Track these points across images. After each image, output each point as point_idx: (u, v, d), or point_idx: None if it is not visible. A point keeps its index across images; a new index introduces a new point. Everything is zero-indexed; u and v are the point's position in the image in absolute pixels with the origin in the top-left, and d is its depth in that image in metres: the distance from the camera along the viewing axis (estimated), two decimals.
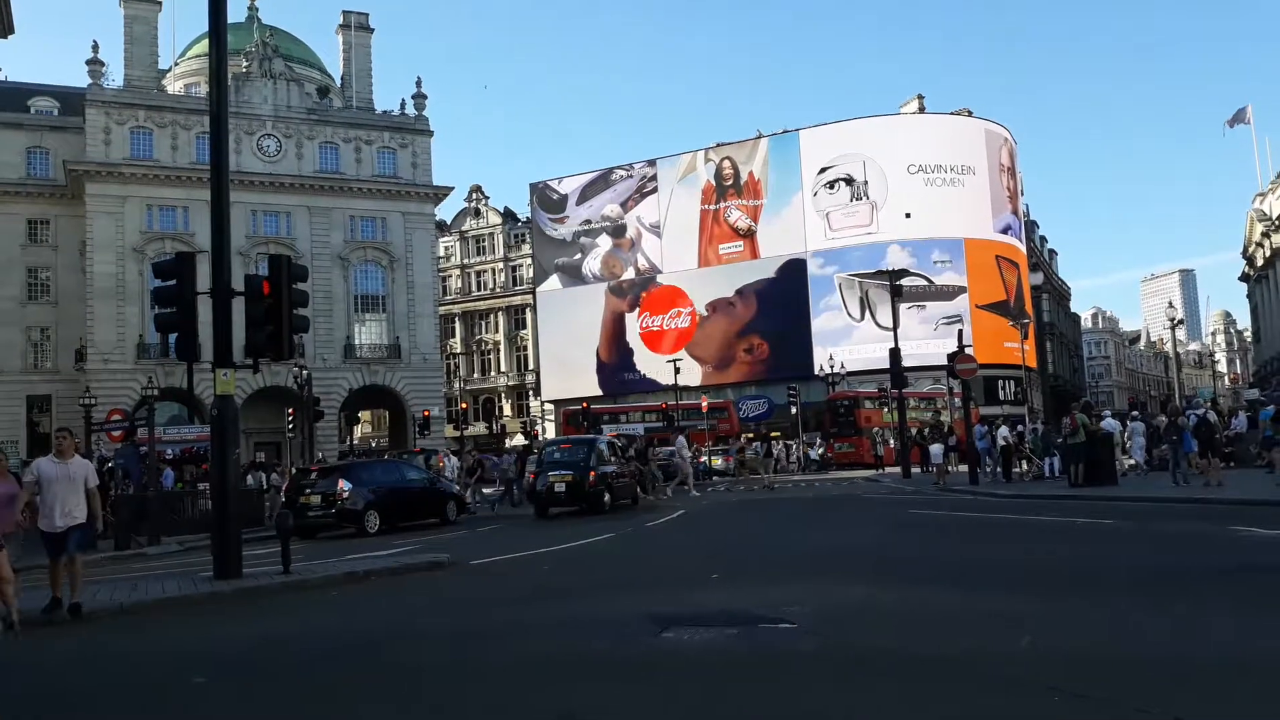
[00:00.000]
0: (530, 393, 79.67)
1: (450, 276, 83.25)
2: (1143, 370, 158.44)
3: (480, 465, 33.13)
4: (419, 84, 60.49)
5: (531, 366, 78.89)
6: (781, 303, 63.17)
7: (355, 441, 57.49)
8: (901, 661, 6.52)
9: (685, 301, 67.47)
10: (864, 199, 62.85)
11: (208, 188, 12.93)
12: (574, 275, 72.11)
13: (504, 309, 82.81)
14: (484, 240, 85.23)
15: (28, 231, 54.16)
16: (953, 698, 5.57)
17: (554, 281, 73.15)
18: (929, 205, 61.12)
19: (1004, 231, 65.06)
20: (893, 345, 34.47)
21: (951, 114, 68.51)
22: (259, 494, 27.42)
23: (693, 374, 59.99)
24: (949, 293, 60.51)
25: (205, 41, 14.58)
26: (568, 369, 70.01)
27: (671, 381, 50.42)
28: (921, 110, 70.07)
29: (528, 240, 79.39)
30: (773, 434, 53.24)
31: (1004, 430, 28.52)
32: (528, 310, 79.73)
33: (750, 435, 48.02)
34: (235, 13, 51.41)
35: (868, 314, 59.96)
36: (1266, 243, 78.00)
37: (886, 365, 35.57)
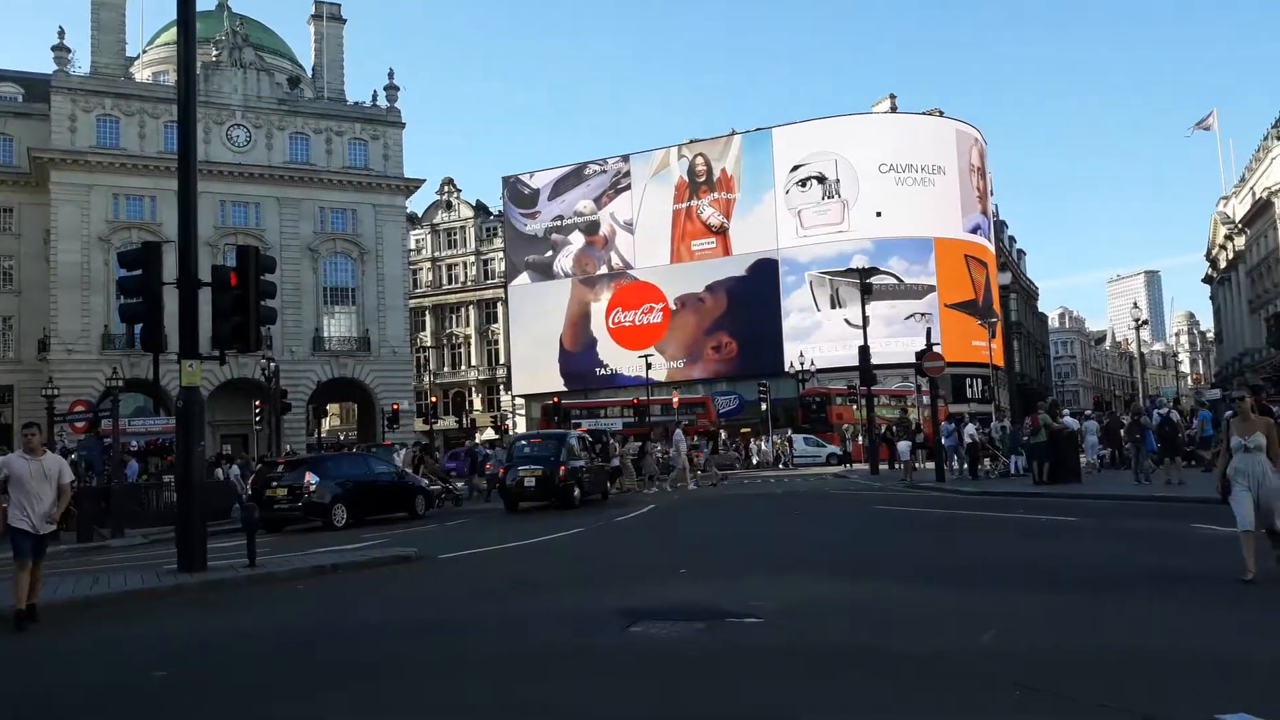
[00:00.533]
0: (501, 387, 79.43)
1: (421, 269, 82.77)
2: (1108, 370, 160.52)
3: (424, 458, 32.77)
4: (391, 75, 60.07)
5: (502, 361, 78.63)
6: (752, 299, 63.29)
7: (324, 434, 56.97)
8: (866, 656, 6.59)
9: (658, 296, 67.38)
10: (835, 197, 63.11)
11: (175, 177, 12.78)
12: (545, 273, 71.88)
13: (475, 303, 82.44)
14: (455, 233, 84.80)
15: None
16: (915, 692, 5.64)
17: (525, 277, 72.95)
18: (900, 204, 61.49)
19: (973, 231, 65.58)
20: (863, 343, 34.66)
21: (923, 114, 68.94)
22: (226, 486, 27.16)
23: (659, 369, 59.95)
24: (918, 291, 60.93)
25: (174, 29, 14.40)
26: (539, 363, 69.87)
27: (636, 376, 50.32)
28: (893, 110, 70.46)
29: (499, 234, 79.08)
30: (743, 429, 53.47)
31: (970, 428, 28.80)
32: (499, 304, 79.42)
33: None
34: (205, 1, 50.88)
35: (838, 311, 60.21)
36: (1230, 245, 79.22)
37: (856, 363, 35.74)
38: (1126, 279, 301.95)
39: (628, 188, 69.51)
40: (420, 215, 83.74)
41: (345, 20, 61.09)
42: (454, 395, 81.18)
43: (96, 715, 6.09)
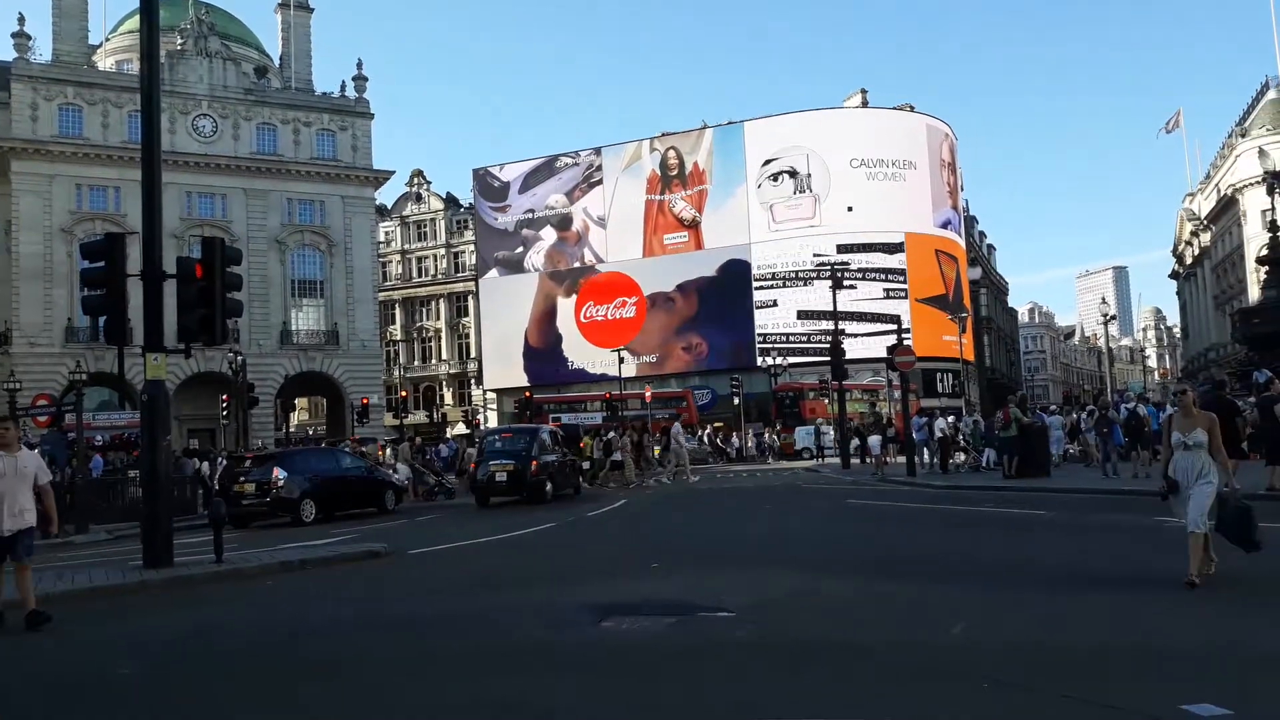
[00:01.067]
0: (472, 381, 79.11)
1: (391, 262, 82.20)
2: (1077, 364, 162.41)
3: (419, 452, 32.81)
4: (359, 66, 59.49)
5: (473, 355, 78.31)
6: (723, 293, 63.43)
7: (292, 429, 56.49)
8: (836, 649, 6.60)
9: (631, 290, 67.15)
10: (807, 191, 63.31)
11: (140, 167, 12.58)
12: (515, 268, 71.59)
13: (445, 296, 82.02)
14: (425, 226, 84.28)
15: None
16: (885, 685, 5.65)
17: (496, 271, 72.64)
18: (871, 199, 61.80)
19: (944, 226, 66.04)
20: (833, 338, 34.83)
21: (894, 109, 69.32)
22: (192, 481, 26.83)
23: (630, 364, 59.85)
24: (889, 286, 61.26)
25: (137, 17, 14.16)
26: (510, 358, 69.66)
27: (601, 373, 50.10)
28: (865, 105, 70.78)
29: (470, 226, 78.67)
30: (716, 424, 53.54)
31: (941, 422, 29.00)
32: (470, 297, 79.07)
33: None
34: None
35: (808, 306, 60.40)
36: (1195, 241, 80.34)
37: (828, 358, 35.90)
38: (1095, 274, 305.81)
39: (599, 181, 69.36)
40: (390, 207, 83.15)
41: (313, 10, 60.42)
42: (424, 389, 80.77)
43: (60, 714, 5.97)
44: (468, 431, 57.61)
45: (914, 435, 28.11)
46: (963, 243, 70.12)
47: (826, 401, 47.15)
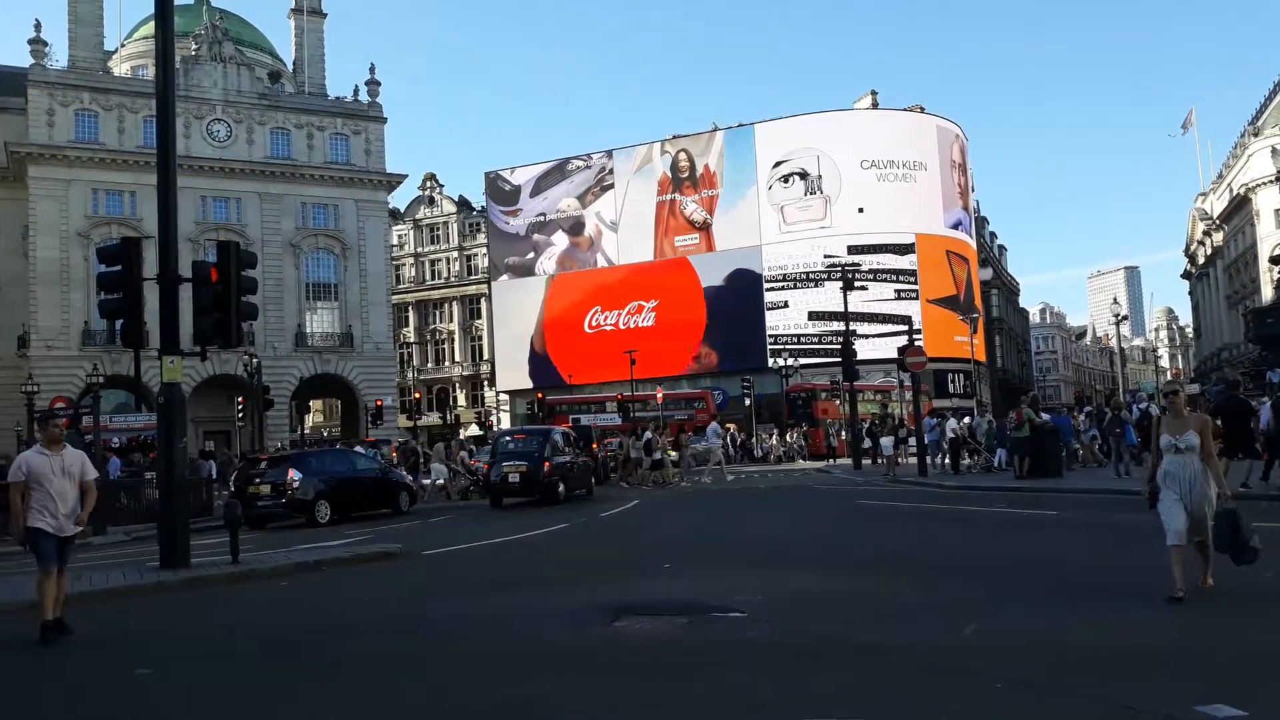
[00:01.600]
0: (485, 383, 79.29)
1: (404, 265, 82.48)
2: (1089, 365, 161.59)
3: (458, 450, 32.81)
4: (372, 70, 59.74)
5: (486, 357, 78.49)
6: (734, 295, 63.38)
7: (307, 430, 56.73)
8: (848, 650, 6.64)
9: (649, 293, 66.82)
10: (818, 193, 63.23)
11: (155, 172, 12.71)
12: (527, 273, 71.63)
13: (458, 298, 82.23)
14: (438, 229, 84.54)
15: None
16: (896, 685, 5.68)
17: (509, 271, 72.75)
18: (881, 200, 61.68)
19: (955, 227, 65.87)
20: (845, 339, 34.76)
21: (904, 110, 69.15)
22: (208, 483, 27.00)
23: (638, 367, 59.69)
24: (900, 287, 61.14)
25: (152, 23, 14.30)
26: (521, 361, 69.78)
27: (602, 383, 49.88)
28: (875, 106, 70.64)
29: (483, 229, 78.85)
30: (727, 424, 53.45)
31: (952, 423, 28.94)
32: (482, 300, 79.24)
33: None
34: None
35: (820, 307, 60.34)
36: (1208, 241, 79.93)
37: (839, 358, 35.83)
38: (1107, 275, 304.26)
39: (611, 185, 69.43)
40: (403, 211, 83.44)
41: (326, 15, 60.71)
42: (438, 391, 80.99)
43: (79, 714, 6.06)
44: (481, 433, 57.76)
45: (925, 436, 28.07)
46: (974, 243, 69.91)
47: (838, 402, 47.08)
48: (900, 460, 29.98)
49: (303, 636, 8.16)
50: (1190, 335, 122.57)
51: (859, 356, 36.20)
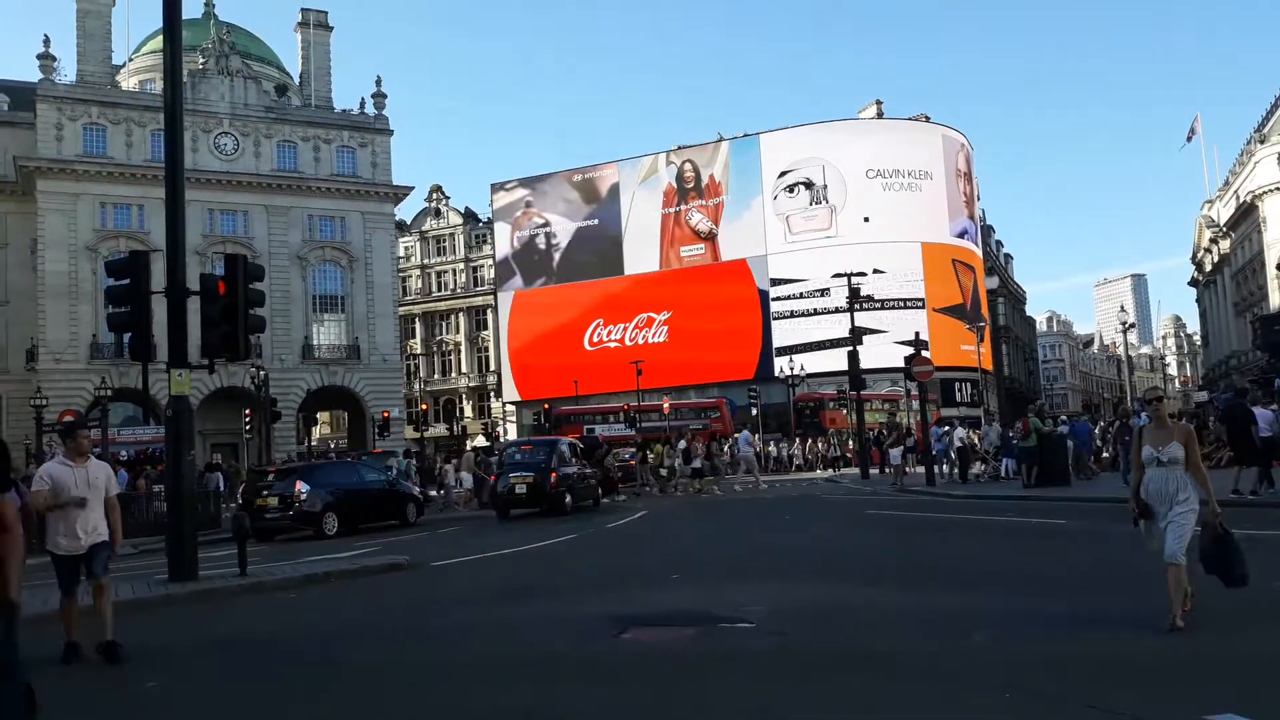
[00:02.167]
0: (492, 394, 79.35)
1: (410, 277, 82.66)
2: (1096, 373, 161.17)
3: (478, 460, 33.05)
4: (379, 83, 60.02)
5: (493, 367, 78.58)
6: (740, 305, 63.40)
7: (314, 442, 56.83)
8: (855, 659, 6.62)
9: (658, 304, 66.71)
10: (823, 203, 63.33)
11: (163, 186, 12.76)
12: (533, 282, 71.81)
13: (465, 309, 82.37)
14: (444, 240, 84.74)
15: None
16: (907, 695, 5.67)
17: (515, 283, 72.93)
18: (887, 209, 61.74)
19: (960, 236, 65.88)
20: (851, 348, 34.75)
21: (909, 119, 69.29)
22: (216, 496, 27.06)
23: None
24: (906, 297, 61.10)
25: (160, 37, 14.37)
26: (528, 370, 69.83)
27: (604, 394, 49.79)
28: (880, 115, 70.76)
29: (489, 241, 79.05)
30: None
31: (960, 431, 28.87)
32: (489, 311, 79.38)
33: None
34: (191, 9, 50.76)
35: (826, 316, 60.31)
36: (1215, 248, 79.73)
37: (846, 368, 35.83)
38: (1113, 283, 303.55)
39: (616, 195, 69.57)
40: (409, 223, 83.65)
41: (332, 28, 61.01)
42: (445, 402, 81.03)
43: None
44: (487, 444, 57.76)
45: (933, 445, 28.01)
46: (979, 252, 69.90)
47: (845, 411, 47.02)
48: (907, 469, 29.93)
49: (311, 648, 8.17)
50: (1198, 343, 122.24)
51: (866, 366, 36.20)
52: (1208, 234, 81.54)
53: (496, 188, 74.65)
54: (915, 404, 36.17)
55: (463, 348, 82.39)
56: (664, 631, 7.97)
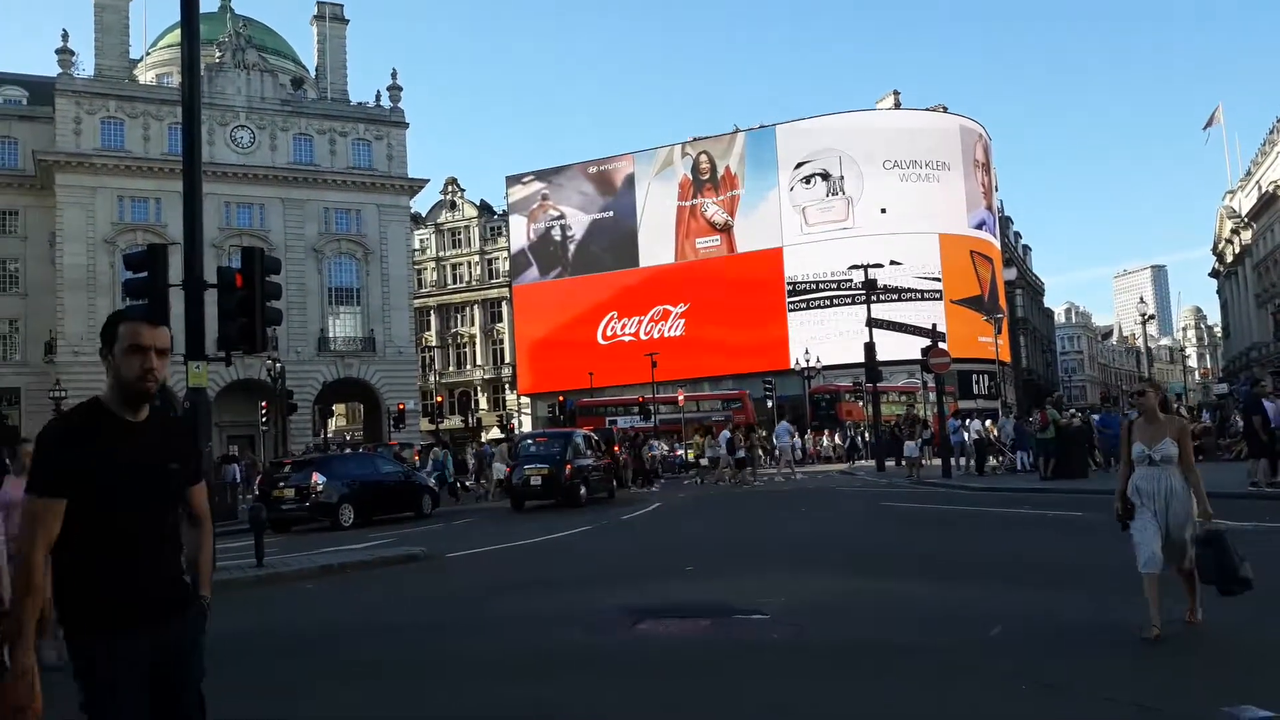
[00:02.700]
0: (506, 386, 79.50)
1: (425, 269, 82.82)
2: (1115, 365, 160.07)
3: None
4: (394, 76, 60.13)
5: (508, 360, 78.73)
6: (756, 296, 63.23)
7: (330, 434, 57.06)
8: (872, 651, 6.60)
9: (674, 297, 66.58)
10: (840, 194, 63.06)
11: (180, 179, 12.81)
12: (548, 274, 71.87)
13: (480, 302, 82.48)
14: (459, 233, 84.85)
15: None
16: (923, 686, 5.64)
17: (530, 275, 73.00)
18: (904, 201, 61.43)
19: (978, 227, 65.49)
20: (868, 340, 34.63)
21: (927, 110, 68.86)
22: (233, 487, 27.22)
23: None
24: (924, 288, 60.83)
25: (177, 31, 14.37)
26: (543, 363, 69.91)
27: (619, 385, 49.88)
28: (897, 106, 70.39)
29: (503, 233, 79.14)
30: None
31: (976, 424, 28.74)
32: (503, 304, 79.50)
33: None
34: (208, 3, 50.91)
35: (843, 307, 60.13)
36: (1236, 239, 79.01)
37: (862, 359, 35.72)
38: (1133, 274, 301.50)
39: (631, 187, 69.48)
40: (424, 215, 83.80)
41: (348, 21, 61.18)
42: (459, 395, 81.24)
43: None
44: (502, 436, 57.85)
45: (950, 437, 27.90)
46: (997, 243, 69.48)
47: (862, 403, 46.90)
48: (924, 462, 29.82)
49: (327, 639, 8.20)
50: (1218, 335, 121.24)
51: (882, 357, 36.08)
52: (1229, 225, 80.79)
53: (512, 181, 74.67)
54: (932, 396, 35.96)
55: (478, 340, 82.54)
56: (679, 623, 7.96)
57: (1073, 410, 35.79)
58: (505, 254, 78.72)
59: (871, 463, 36.24)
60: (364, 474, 22.27)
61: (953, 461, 27.44)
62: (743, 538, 15.09)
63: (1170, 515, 6.43)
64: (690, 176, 67.76)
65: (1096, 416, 27.39)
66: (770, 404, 50.40)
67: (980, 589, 8.85)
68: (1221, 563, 6.26)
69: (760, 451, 32.92)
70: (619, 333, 67.99)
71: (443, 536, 17.27)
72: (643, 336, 66.07)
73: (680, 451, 42.56)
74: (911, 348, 40.99)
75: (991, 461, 28.41)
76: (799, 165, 63.96)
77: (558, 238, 72.00)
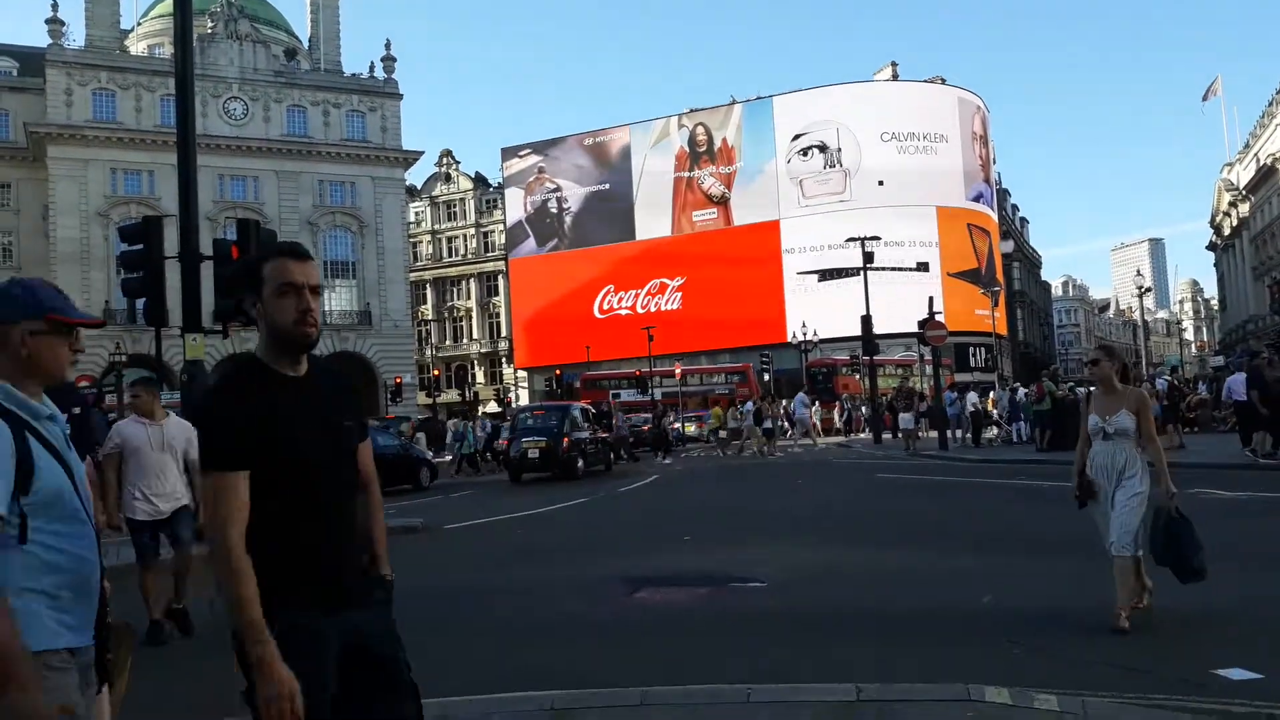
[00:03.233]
0: (503, 360, 79.50)
1: (421, 242, 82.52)
2: (1112, 338, 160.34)
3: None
4: (388, 46, 59.67)
5: (504, 334, 78.67)
6: (753, 268, 63.12)
7: None
8: (866, 618, 6.66)
9: (671, 270, 66.40)
10: (837, 166, 62.84)
11: (173, 151, 12.74)
12: (544, 246, 71.70)
13: (476, 275, 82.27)
14: (455, 205, 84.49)
15: None
16: (917, 651, 5.70)
17: (526, 248, 72.80)
18: (902, 173, 61.23)
19: (976, 199, 65.35)
20: (865, 313, 34.62)
21: (925, 82, 68.49)
22: None
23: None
24: (920, 260, 60.68)
25: (168, 1, 14.29)
26: (540, 336, 69.89)
27: (614, 360, 49.99)
28: (895, 78, 69.96)
29: (499, 206, 78.86)
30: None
31: (973, 396, 28.82)
32: (500, 277, 79.33)
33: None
34: None
35: (840, 281, 60.02)
36: (1234, 212, 78.93)
37: (859, 332, 35.72)
38: (1130, 247, 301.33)
39: (628, 159, 69.16)
40: (419, 188, 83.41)
41: None
42: (456, 368, 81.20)
43: None
44: (499, 409, 57.94)
45: (946, 410, 27.98)
46: (995, 216, 69.36)
47: (859, 377, 46.95)
48: (920, 434, 29.91)
49: None
50: (1215, 307, 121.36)
51: (879, 330, 36.09)
52: (1227, 197, 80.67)
53: (508, 153, 74.29)
54: (929, 369, 35.99)
55: (474, 313, 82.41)
56: (676, 591, 8.01)
57: (1070, 384, 35.81)
58: (501, 227, 78.46)
59: (869, 435, 36.36)
60: None
61: (949, 434, 27.53)
62: (739, 509, 15.15)
63: (1118, 494, 6.00)
64: (687, 149, 67.46)
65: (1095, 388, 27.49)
66: (767, 378, 50.47)
67: (975, 557, 8.93)
68: (1180, 546, 5.84)
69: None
70: (615, 306, 67.96)
71: (441, 508, 17.32)
72: (639, 310, 66.00)
73: (678, 425, 42.71)
74: (909, 320, 40.98)
75: (989, 433, 28.51)
76: (796, 137, 63.68)
77: (554, 210, 71.74)
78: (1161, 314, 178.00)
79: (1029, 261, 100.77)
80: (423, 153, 61.50)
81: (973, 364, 59.38)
